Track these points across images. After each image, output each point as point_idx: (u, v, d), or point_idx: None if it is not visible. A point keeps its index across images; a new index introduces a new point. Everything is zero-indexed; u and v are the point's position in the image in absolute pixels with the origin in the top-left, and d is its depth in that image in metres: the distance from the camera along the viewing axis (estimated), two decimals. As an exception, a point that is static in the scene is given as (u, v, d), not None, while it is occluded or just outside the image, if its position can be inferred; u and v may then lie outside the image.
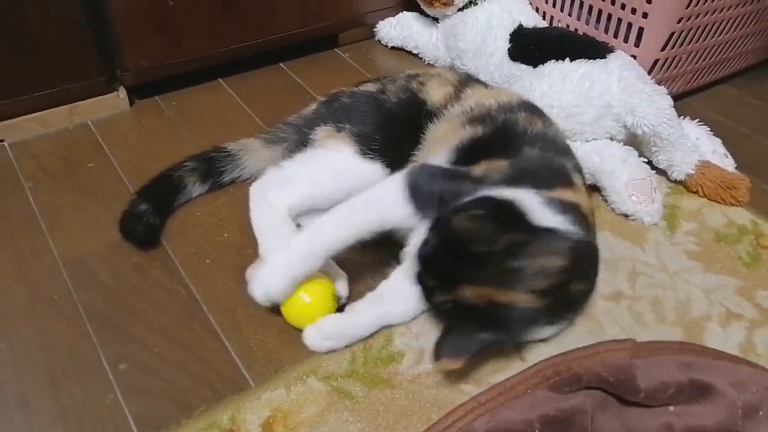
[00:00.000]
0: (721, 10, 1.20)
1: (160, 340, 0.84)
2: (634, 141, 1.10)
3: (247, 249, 0.97)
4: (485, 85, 1.07)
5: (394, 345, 0.84)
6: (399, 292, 0.85)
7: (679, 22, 1.14)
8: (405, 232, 0.85)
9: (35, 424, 0.75)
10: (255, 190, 0.92)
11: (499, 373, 0.82)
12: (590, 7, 1.24)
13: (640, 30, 1.16)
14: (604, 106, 1.06)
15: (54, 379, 0.80)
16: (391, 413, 0.77)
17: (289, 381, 0.80)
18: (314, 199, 0.91)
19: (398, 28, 1.46)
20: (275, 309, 0.85)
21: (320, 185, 0.91)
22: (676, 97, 1.19)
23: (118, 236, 0.96)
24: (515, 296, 0.73)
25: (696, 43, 1.22)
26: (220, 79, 1.35)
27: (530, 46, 1.19)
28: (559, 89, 1.07)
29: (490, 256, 0.74)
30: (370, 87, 1.03)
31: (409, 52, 1.47)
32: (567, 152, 0.93)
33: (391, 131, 0.96)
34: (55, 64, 1.13)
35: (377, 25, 1.50)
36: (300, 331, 0.84)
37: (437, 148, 0.94)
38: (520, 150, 0.89)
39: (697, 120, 1.19)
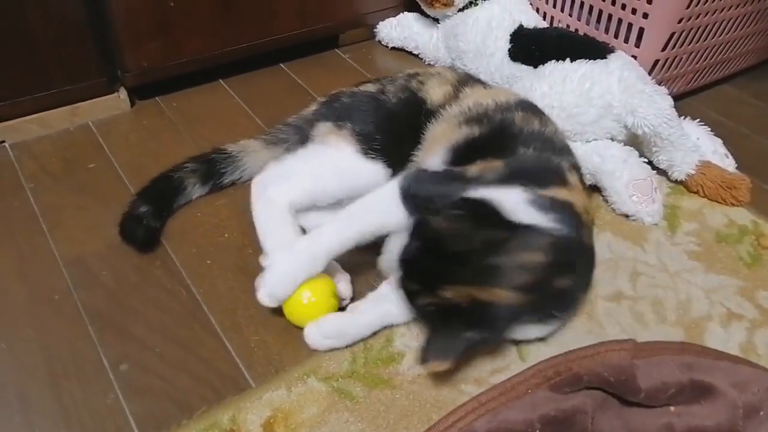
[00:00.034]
0: (722, 11, 1.20)
1: (160, 340, 0.84)
2: (635, 141, 1.10)
3: (248, 249, 0.97)
4: (484, 84, 1.07)
5: (394, 345, 0.84)
6: None
7: (679, 22, 1.14)
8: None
9: (36, 424, 0.75)
10: (256, 186, 0.93)
11: (499, 373, 0.82)
12: (591, 8, 1.24)
13: (641, 30, 1.16)
14: (604, 107, 1.06)
15: (55, 380, 0.80)
16: (391, 413, 0.77)
17: (290, 381, 0.80)
18: (315, 196, 0.91)
19: (399, 29, 1.47)
20: (276, 309, 0.85)
21: (321, 182, 0.92)
22: (677, 98, 1.19)
23: (119, 237, 0.97)
24: (497, 293, 0.73)
25: (696, 43, 1.22)
26: (220, 80, 1.35)
27: (531, 47, 1.19)
28: (560, 90, 1.07)
29: (469, 255, 0.73)
30: (370, 87, 1.03)
31: (410, 53, 1.47)
32: (564, 152, 0.93)
33: (391, 131, 0.96)
34: (55, 65, 1.13)
35: (378, 26, 1.50)
36: (300, 331, 0.84)
37: (436, 148, 0.94)
38: (516, 150, 0.89)
39: (698, 120, 1.19)
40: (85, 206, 1.04)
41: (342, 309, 0.86)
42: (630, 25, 1.18)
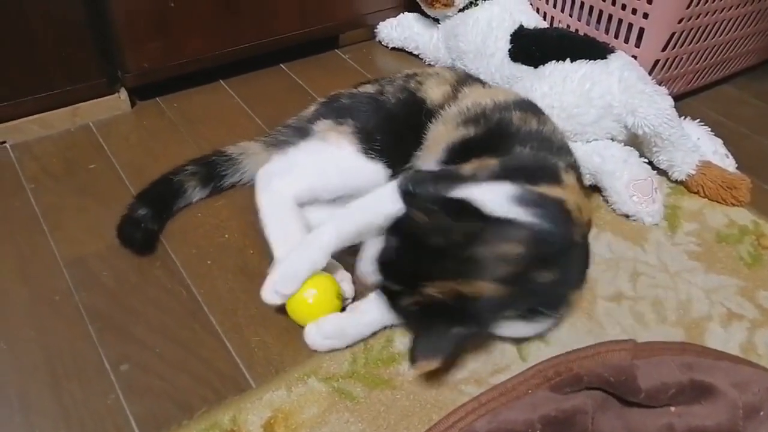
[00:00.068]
0: (722, 11, 1.20)
1: (161, 340, 0.85)
2: (635, 141, 1.10)
3: (248, 250, 0.97)
4: (483, 83, 1.07)
5: (394, 346, 0.84)
6: None
7: (679, 22, 1.14)
8: None
9: (36, 424, 0.75)
10: (261, 177, 0.94)
11: (500, 373, 0.82)
12: (591, 8, 1.24)
13: (641, 30, 1.16)
14: (604, 107, 1.06)
15: (55, 380, 0.80)
16: (392, 414, 0.77)
17: (290, 382, 0.80)
18: (317, 191, 0.93)
19: (399, 29, 1.47)
20: (277, 309, 0.86)
21: (323, 177, 0.94)
22: (677, 98, 1.19)
23: (117, 239, 0.96)
24: (479, 286, 0.73)
25: (697, 43, 1.22)
26: (220, 81, 1.35)
27: (531, 47, 1.19)
28: (560, 90, 1.07)
29: (447, 248, 0.74)
30: (369, 88, 1.03)
31: (410, 53, 1.47)
32: (563, 151, 0.93)
33: (391, 131, 0.96)
34: (56, 65, 1.13)
35: (378, 26, 1.50)
36: (301, 332, 0.84)
37: (437, 148, 0.95)
38: (512, 148, 0.89)
39: (698, 120, 1.19)
40: (86, 207, 1.04)
41: (342, 309, 0.86)
42: (630, 26, 1.18)
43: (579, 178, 0.92)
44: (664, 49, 1.17)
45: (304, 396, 0.78)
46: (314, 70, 1.41)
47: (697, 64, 1.28)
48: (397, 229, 0.78)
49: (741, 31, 1.29)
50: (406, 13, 1.49)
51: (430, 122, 0.97)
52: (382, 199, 0.84)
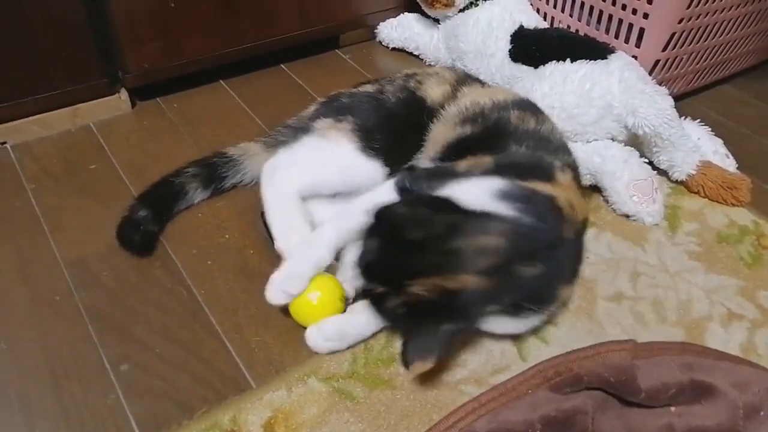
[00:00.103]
0: (722, 11, 1.20)
1: (161, 340, 0.85)
2: (635, 142, 1.10)
3: (249, 250, 0.97)
4: (482, 83, 1.07)
5: (394, 346, 0.84)
6: None
7: (680, 22, 1.14)
8: None
9: (37, 424, 0.75)
10: (266, 171, 0.95)
11: (500, 373, 0.82)
12: (591, 8, 1.24)
13: (641, 31, 1.16)
14: (605, 107, 1.06)
15: (55, 380, 0.80)
16: (392, 414, 0.77)
17: (291, 382, 0.80)
18: (318, 186, 0.94)
19: (399, 30, 1.47)
20: (277, 310, 0.86)
21: (323, 173, 0.95)
22: (677, 98, 1.19)
23: (117, 240, 0.96)
24: (462, 279, 0.73)
25: (697, 43, 1.22)
26: (221, 81, 1.36)
27: (531, 47, 1.19)
28: (560, 90, 1.07)
29: (428, 242, 0.74)
30: (369, 88, 1.04)
31: (410, 54, 1.47)
32: (560, 151, 0.93)
33: (391, 130, 0.97)
34: (56, 66, 1.13)
35: (378, 27, 1.50)
36: (301, 332, 0.84)
37: (436, 147, 0.96)
38: (508, 147, 0.90)
39: (698, 120, 1.19)
40: (86, 207, 1.04)
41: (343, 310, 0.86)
42: (630, 26, 1.18)
43: (576, 177, 0.92)
44: (664, 50, 1.17)
45: (304, 396, 0.78)
46: (315, 71, 1.41)
47: (697, 64, 1.28)
48: (376, 229, 0.78)
49: (741, 31, 1.29)
50: (406, 13, 1.49)
51: (431, 122, 0.97)
52: (381, 197, 0.84)
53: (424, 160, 0.96)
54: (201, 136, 1.20)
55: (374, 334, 0.85)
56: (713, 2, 1.15)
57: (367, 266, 0.78)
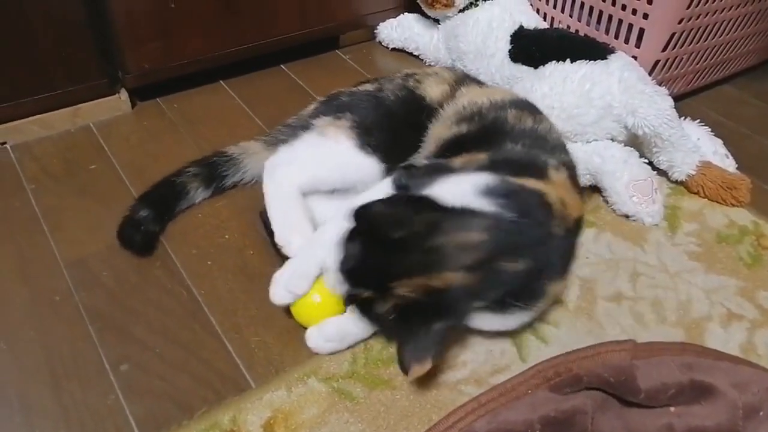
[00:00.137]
0: (722, 11, 1.20)
1: (161, 341, 0.85)
2: (635, 142, 1.10)
3: (248, 250, 0.97)
4: (480, 83, 1.08)
5: (394, 346, 0.84)
6: None
7: (679, 22, 1.14)
8: None
9: (36, 424, 0.75)
10: (267, 167, 0.96)
11: (499, 373, 0.82)
12: (591, 9, 1.24)
13: (641, 31, 1.16)
14: (604, 107, 1.06)
15: (55, 380, 0.80)
16: (391, 414, 0.77)
17: (290, 382, 0.80)
18: (318, 182, 0.95)
19: (399, 30, 1.47)
20: (277, 310, 0.86)
21: (322, 170, 0.96)
22: (677, 98, 1.19)
23: (117, 240, 0.97)
24: (446, 277, 0.73)
25: (697, 43, 1.22)
26: (221, 81, 1.36)
27: (531, 48, 1.19)
28: (560, 90, 1.07)
29: (409, 241, 0.74)
30: (368, 86, 1.04)
31: (410, 54, 1.47)
32: (557, 150, 0.93)
33: (389, 128, 0.97)
34: (56, 66, 1.13)
35: (378, 27, 1.50)
36: (300, 332, 0.84)
37: (433, 145, 0.96)
38: (503, 145, 0.90)
39: (698, 120, 1.19)
40: (86, 207, 1.04)
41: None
42: (630, 26, 1.18)
43: (572, 176, 0.91)
44: (664, 50, 1.17)
45: (304, 396, 0.78)
46: (315, 71, 1.41)
47: (697, 64, 1.28)
48: (356, 231, 0.78)
49: (741, 31, 1.29)
50: (406, 13, 1.49)
51: (429, 120, 0.98)
52: (379, 195, 0.84)
53: (423, 158, 0.97)
54: (201, 136, 1.20)
55: (374, 335, 0.85)
56: (713, 2, 1.15)
57: (350, 270, 0.77)
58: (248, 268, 0.94)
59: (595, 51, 1.11)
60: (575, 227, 0.87)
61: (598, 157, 1.06)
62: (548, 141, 0.93)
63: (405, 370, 0.74)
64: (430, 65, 1.44)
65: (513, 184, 0.81)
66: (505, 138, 0.91)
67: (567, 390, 0.75)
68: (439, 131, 0.97)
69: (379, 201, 0.76)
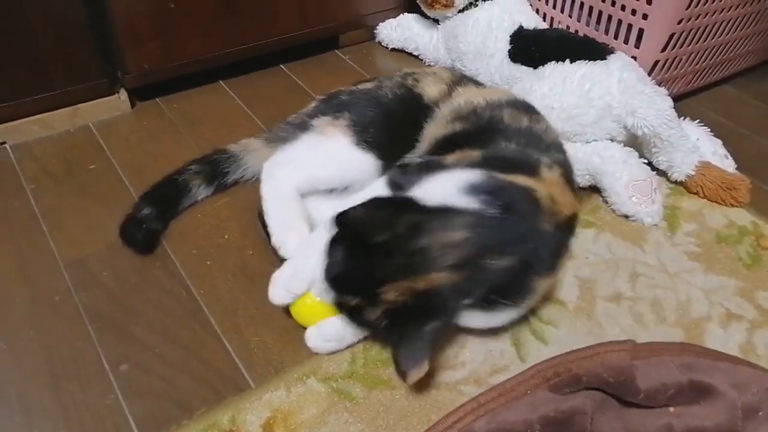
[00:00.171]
0: (722, 11, 1.20)
1: (160, 341, 0.85)
2: (635, 142, 1.10)
3: (248, 250, 0.97)
4: (477, 84, 1.08)
5: (390, 350, 0.84)
6: None
7: (679, 23, 1.14)
8: None
9: (36, 424, 0.75)
10: (265, 168, 0.97)
11: (499, 373, 0.82)
12: (590, 9, 1.24)
13: (640, 31, 1.16)
14: (604, 108, 1.06)
15: (55, 380, 0.80)
16: (391, 414, 0.77)
17: (290, 382, 0.80)
18: (315, 181, 0.95)
19: (399, 30, 1.47)
20: (277, 310, 0.86)
21: (320, 169, 0.96)
22: (677, 98, 1.19)
23: (120, 238, 0.97)
24: (433, 278, 0.73)
25: (696, 44, 1.22)
26: (220, 81, 1.36)
27: (530, 48, 1.19)
28: (560, 90, 1.07)
29: (393, 244, 0.73)
30: (368, 85, 1.05)
31: (410, 54, 1.47)
32: (552, 149, 0.93)
33: (387, 126, 0.98)
34: (56, 66, 1.13)
35: (378, 27, 1.50)
36: (300, 332, 0.84)
37: (429, 144, 0.96)
38: (497, 143, 0.90)
39: (698, 121, 1.19)
40: (86, 207, 1.04)
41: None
42: (630, 26, 1.18)
43: (566, 174, 0.91)
44: (663, 50, 1.17)
45: (303, 396, 0.78)
46: (314, 71, 1.41)
47: (696, 64, 1.28)
48: (339, 238, 0.78)
49: (740, 31, 1.29)
50: (405, 13, 1.49)
51: (426, 119, 0.98)
52: (373, 195, 0.84)
53: (418, 156, 0.97)
54: (201, 136, 1.20)
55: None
56: (712, 3, 1.15)
57: (336, 278, 0.77)
58: (248, 268, 0.94)
59: (595, 51, 1.11)
60: (567, 224, 0.86)
61: (597, 157, 1.06)
62: (543, 140, 0.93)
63: (403, 375, 0.74)
64: (429, 65, 1.44)
65: (499, 181, 0.81)
66: (499, 136, 0.91)
67: (566, 390, 0.75)
68: (434, 130, 0.97)
69: (359, 205, 0.75)
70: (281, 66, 1.42)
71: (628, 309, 0.91)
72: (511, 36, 1.23)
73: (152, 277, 0.93)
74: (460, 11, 1.33)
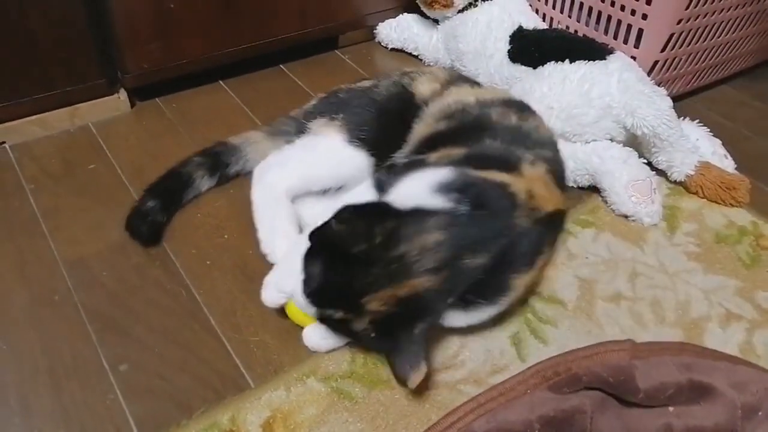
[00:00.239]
0: (721, 12, 1.20)
1: (160, 341, 0.85)
2: (634, 142, 1.10)
3: (247, 250, 0.97)
4: (472, 84, 1.08)
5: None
6: None
7: (678, 23, 1.14)
8: None
9: (36, 425, 0.75)
10: (257, 172, 0.98)
11: (498, 373, 0.82)
12: (590, 9, 1.24)
13: (640, 31, 1.16)
14: (604, 108, 1.06)
15: (55, 380, 0.80)
16: (390, 414, 0.77)
17: (289, 382, 0.80)
18: (308, 182, 0.96)
19: (398, 30, 1.47)
20: (276, 310, 0.86)
21: (313, 168, 0.97)
22: (676, 98, 1.19)
23: (119, 237, 0.97)
24: (414, 283, 0.73)
25: (696, 44, 1.22)
26: (220, 81, 1.36)
27: (530, 48, 1.19)
28: (559, 91, 1.07)
29: (371, 253, 0.73)
30: (366, 83, 1.06)
31: (410, 54, 1.47)
32: (538, 145, 0.92)
33: (380, 123, 0.98)
34: (56, 66, 1.13)
35: (377, 27, 1.50)
36: (299, 332, 0.84)
37: (415, 143, 0.97)
38: (482, 140, 0.90)
39: (697, 121, 1.19)
40: (86, 207, 1.04)
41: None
42: (629, 27, 1.18)
43: (552, 171, 0.91)
44: (663, 50, 1.17)
45: (303, 396, 0.78)
46: (314, 71, 1.41)
47: (696, 64, 1.28)
48: (314, 253, 0.77)
49: (740, 32, 1.29)
50: (405, 14, 1.49)
51: (415, 117, 0.99)
52: (360, 197, 0.85)
53: (404, 155, 0.97)
54: (200, 136, 1.20)
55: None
56: (712, 3, 1.15)
57: (315, 292, 0.76)
58: (247, 268, 0.94)
59: (594, 51, 1.11)
60: (549, 220, 0.86)
61: (597, 157, 1.06)
62: (530, 137, 0.93)
63: (403, 381, 0.74)
64: (429, 65, 1.44)
65: (470, 177, 0.81)
66: (485, 134, 0.91)
67: (566, 390, 0.76)
68: (421, 128, 0.98)
69: (333, 218, 0.74)
70: (281, 66, 1.42)
71: (627, 309, 0.92)
72: (510, 36, 1.24)
73: (152, 277, 0.93)
74: (460, 11, 1.33)
